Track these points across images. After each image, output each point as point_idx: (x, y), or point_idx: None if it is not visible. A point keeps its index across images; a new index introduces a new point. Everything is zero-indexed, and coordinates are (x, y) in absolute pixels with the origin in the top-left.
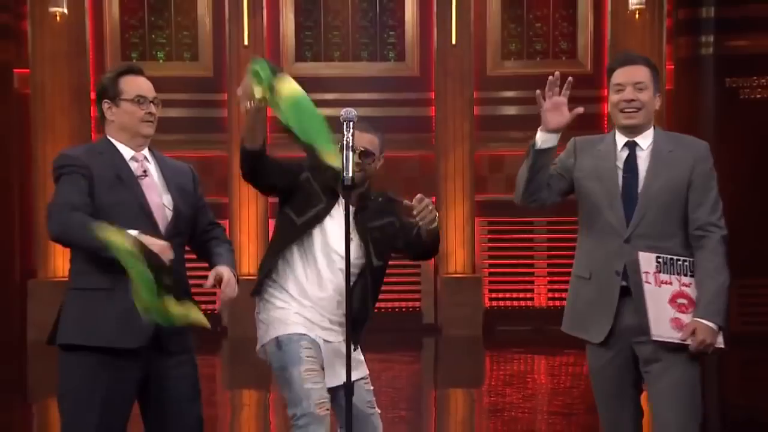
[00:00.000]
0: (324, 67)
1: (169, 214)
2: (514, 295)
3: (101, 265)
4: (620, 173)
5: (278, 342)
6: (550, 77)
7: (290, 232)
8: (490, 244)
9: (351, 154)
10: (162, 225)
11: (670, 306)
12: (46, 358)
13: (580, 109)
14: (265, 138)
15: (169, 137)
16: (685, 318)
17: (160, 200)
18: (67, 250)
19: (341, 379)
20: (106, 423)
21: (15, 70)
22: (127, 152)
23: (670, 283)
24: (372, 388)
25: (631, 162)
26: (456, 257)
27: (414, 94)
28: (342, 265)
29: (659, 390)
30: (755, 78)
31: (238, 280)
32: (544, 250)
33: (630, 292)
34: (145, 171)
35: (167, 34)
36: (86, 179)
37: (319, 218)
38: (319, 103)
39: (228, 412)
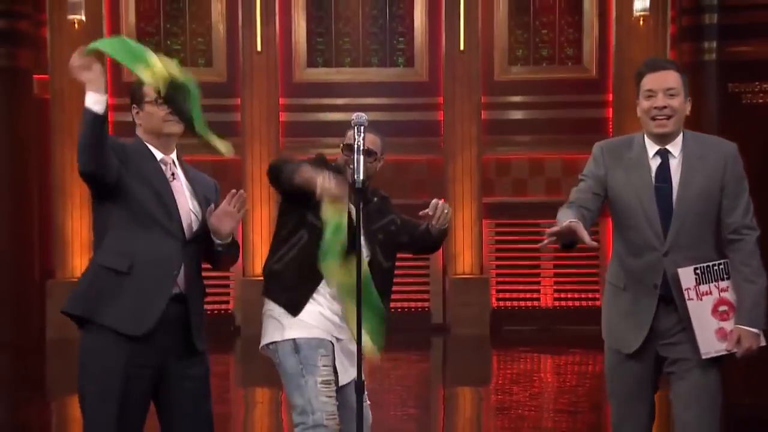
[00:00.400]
0: (335, 73)
1: (195, 219)
2: (521, 295)
3: (125, 247)
4: (654, 184)
5: (296, 345)
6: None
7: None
8: (497, 246)
9: (362, 157)
10: (186, 228)
11: (712, 317)
12: (65, 357)
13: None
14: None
15: (184, 141)
16: (728, 325)
17: (187, 205)
18: (85, 252)
19: (350, 376)
20: (125, 415)
21: (35, 75)
22: (157, 155)
23: (710, 293)
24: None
25: (664, 171)
26: (464, 258)
27: (423, 98)
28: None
29: (683, 391)
30: (757, 83)
31: (234, 254)
32: (550, 251)
33: (663, 300)
34: (173, 174)
35: (182, 40)
36: (118, 158)
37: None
38: (329, 108)
39: (241, 410)
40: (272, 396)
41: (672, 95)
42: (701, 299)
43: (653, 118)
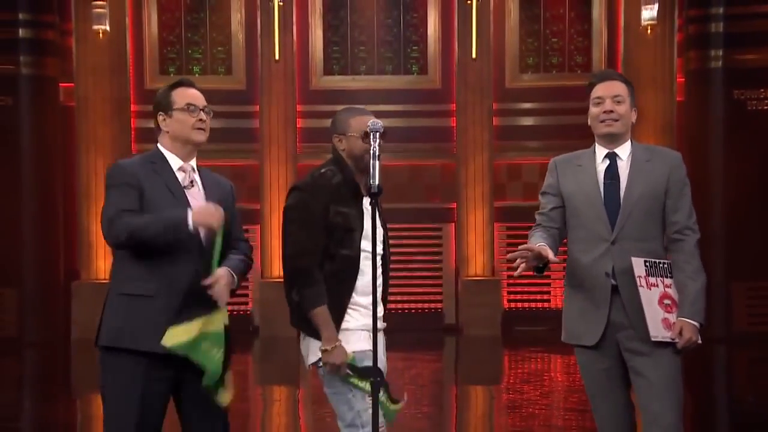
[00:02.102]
0: (350, 81)
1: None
2: (532, 297)
3: (147, 273)
4: (602, 182)
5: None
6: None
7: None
8: (508, 249)
9: (377, 163)
10: (203, 234)
11: (659, 307)
12: (89, 356)
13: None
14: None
15: (204, 147)
16: (671, 317)
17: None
18: (108, 253)
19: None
20: (144, 419)
21: (60, 84)
22: (175, 162)
23: (657, 286)
24: None
25: (612, 170)
26: (476, 261)
27: (436, 105)
28: (369, 252)
29: (646, 383)
30: (762, 90)
31: (238, 282)
32: (560, 254)
33: (616, 291)
34: (192, 181)
35: (203, 49)
36: (135, 190)
37: (358, 230)
38: None
39: (259, 407)
40: (289, 394)
41: (618, 102)
42: (650, 289)
43: (601, 121)
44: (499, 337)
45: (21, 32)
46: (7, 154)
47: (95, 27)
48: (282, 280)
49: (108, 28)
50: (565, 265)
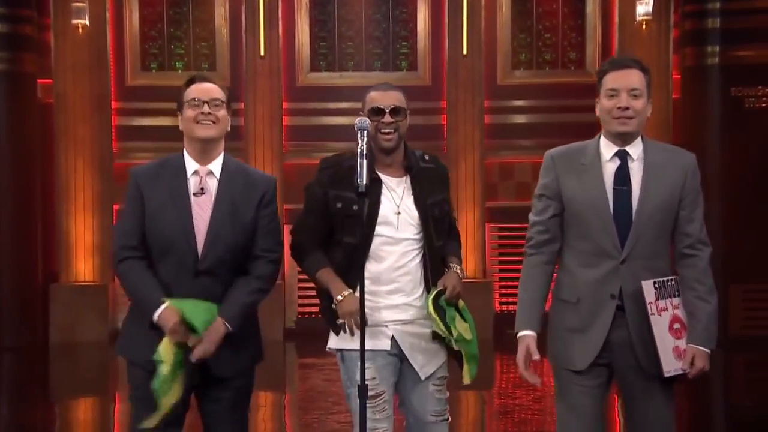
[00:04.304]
0: (338, 77)
1: (213, 241)
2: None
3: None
4: (609, 188)
5: (342, 355)
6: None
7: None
8: (500, 250)
9: (365, 162)
10: (201, 254)
11: (669, 335)
12: (68, 360)
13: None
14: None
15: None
16: (681, 344)
17: (206, 224)
18: (89, 255)
19: (422, 369)
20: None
21: (38, 80)
22: (191, 166)
23: (667, 309)
24: (444, 396)
25: (623, 174)
26: (467, 262)
27: (426, 103)
28: (396, 235)
29: (643, 413)
30: (760, 87)
31: (230, 329)
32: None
33: (620, 310)
34: (203, 188)
35: (185, 45)
36: (138, 202)
37: (363, 216)
38: (333, 112)
39: None
40: (275, 399)
41: (635, 96)
42: (660, 315)
43: (616, 118)
44: (490, 340)
45: None
46: None
47: (74, 22)
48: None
49: (87, 22)
50: (557, 266)
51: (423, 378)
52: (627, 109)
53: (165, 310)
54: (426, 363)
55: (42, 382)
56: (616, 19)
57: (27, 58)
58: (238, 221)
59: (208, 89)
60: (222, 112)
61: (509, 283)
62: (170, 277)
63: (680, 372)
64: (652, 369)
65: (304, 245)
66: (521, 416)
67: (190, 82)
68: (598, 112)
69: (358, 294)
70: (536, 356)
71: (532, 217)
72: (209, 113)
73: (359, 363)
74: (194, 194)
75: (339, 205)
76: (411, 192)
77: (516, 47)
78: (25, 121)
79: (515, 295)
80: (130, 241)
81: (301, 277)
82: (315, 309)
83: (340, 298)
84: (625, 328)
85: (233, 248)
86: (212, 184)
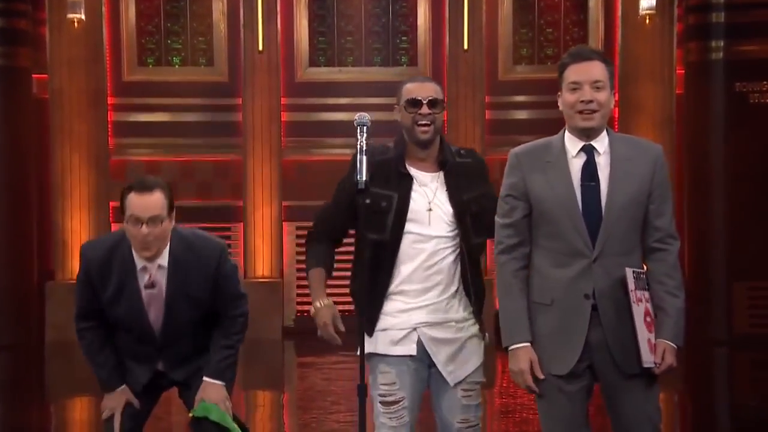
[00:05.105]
0: (337, 73)
1: (168, 324)
2: None
3: (116, 340)
4: (577, 185)
5: (370, 357)
6: None
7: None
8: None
9: (365, 158)
10: (160, 335)
11: (644, 326)
12: (64, 359)
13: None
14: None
15: (184, 141)
16: (652, 338)
17: (160, 312)
18: None
19: (451, 374)
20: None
21: (33, 75)
22: (140, 262)
23: (641, 300)
24: (474, 402)
25: (590, 169)
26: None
27: None
28: (427, 232)
29: (624, 410)
30: (764, 82)
31: (227, 383)
32: None
33: (594, 310)
34: (153, 283)
35: (183, 39)
36: (91, 289)
37: (392, 213)
38: (332, 108)
39: (242, 413)
40: (274, 399)
41: (598, 88)
42: (638, 305)
43: (579, 112)
44: (492, 339)
45: None
46: None
47: (70, 16)
48: (266, 279)
49: (83, 16)
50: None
51: (452, 384)
52: (591, 102)
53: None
54: (456, 368)
55: (37, 381)
56: (619, 13)
57: (22, 52)
58: (193, 299)
59: (147, 205)
60: (163, 226)
61: None
62: (132, 346)
63: (652, 365)
64: (627, 366)
65: (315, 236)
66: (522, 416)
67: (129, 189)
68: (560, 106)
69: (332, 304)
70: (540, 375)
71: (499, 219)
72: (148, 234)
73: (380, 366)
74: (145, 287)
75: (367, 200)
76: (445, 187)
77: (517, 42)
78: (20, 117)
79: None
80: (86, 317)
81: (300, 275)
82: None
83: (314, 309)
84: (600, 327)
85: (193, 321)
86: (162, 276)
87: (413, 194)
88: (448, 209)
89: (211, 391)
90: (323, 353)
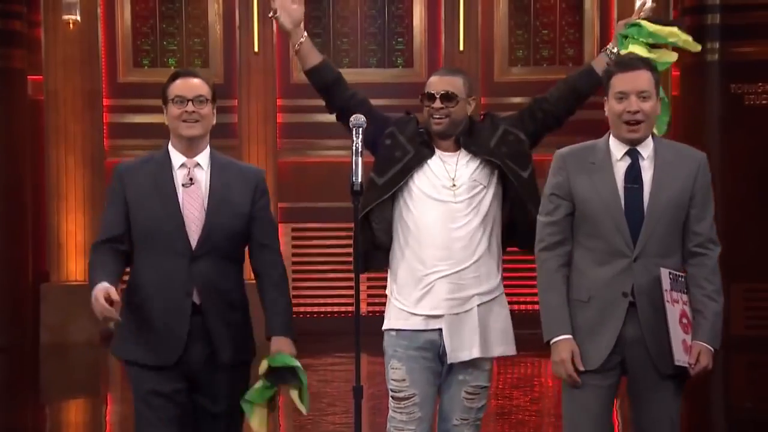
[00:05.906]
0: None
1: (207, 228)
2: (521, 299)
3: (137, 280)
4: (621, 187)
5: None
6: None
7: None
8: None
9: (360, 159)
10: (194, 238)
11: (679, 327)
12: (59, 361)
13: None
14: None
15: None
16: (688, 339)
17: (198, 212)
18: (79, 254)
19: (457, 356)
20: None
21: (29, 76)
22: (178, 159)
23: (678, 302)
24: (474, 404)
25: (634, 172)
26: None
27: None
28: (449, 199)
29: (651, 409)
30: (760, 84)
31: (295, 339)
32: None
33: (632, 307)
34: (191, 179)
35: (178, 41)
36: (119, 196)
37: (405, 171)
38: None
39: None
40: None
41: (645, 98)
42: (673, 305)
43: (626, 123)
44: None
45: None
46: None
47: (65, 17)
48: None
49: (79, 18)
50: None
51: (449, 361)
52: (637, 112)
53: (98, 290)
54: (462, 350)
55: (32, 382)
56: (615, 14)
57: (17, 54)
58: (233, 210)
59: (192, 86)
60: (206, 109)
61: (504, 282)
62: (159, 265)
63: (686, 365)
64: (662, 365)
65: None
66: (518, 417)
67: (175, 76)
68: (607, 113)
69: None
70: (581, 366)
71: (541, 218)
72: (193, 111)
73: (391, 362)
74: (183, 185)
75: (388, 141)
76: (468, 156)
77: (513, 44)
78: (15, 118)
79: (511, 294)
80: (108, 233)
81: (296, 276)
82: (310, 308)
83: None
84: (637, 324)
85: (230, 236)
86: (201, 175)
87: (434, 166)
88: (475, 177)
89: (284, 345)
90: (319, 355)
